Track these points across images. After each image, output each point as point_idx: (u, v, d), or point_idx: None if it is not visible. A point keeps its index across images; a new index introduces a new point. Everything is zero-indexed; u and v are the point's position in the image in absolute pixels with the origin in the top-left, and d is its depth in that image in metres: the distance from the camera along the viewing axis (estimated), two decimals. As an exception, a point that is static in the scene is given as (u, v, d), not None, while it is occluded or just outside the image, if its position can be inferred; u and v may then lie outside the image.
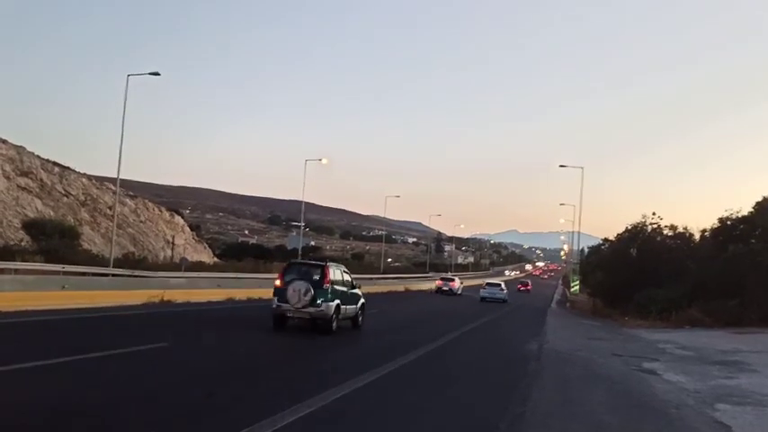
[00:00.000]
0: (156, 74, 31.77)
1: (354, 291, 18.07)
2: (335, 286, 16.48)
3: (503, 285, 49.68)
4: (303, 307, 15.62)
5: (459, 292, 52.00)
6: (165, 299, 21.49)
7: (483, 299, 45.13)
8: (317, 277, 16.11)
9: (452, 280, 54.95)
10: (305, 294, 15.61)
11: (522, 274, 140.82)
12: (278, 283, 16.37)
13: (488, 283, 50.24)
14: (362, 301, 18.62)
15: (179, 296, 22.50)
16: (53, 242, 34.29)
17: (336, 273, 16.99)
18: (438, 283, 54.28)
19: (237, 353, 12.39)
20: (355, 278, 18.95)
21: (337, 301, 16.26)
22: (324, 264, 16.89)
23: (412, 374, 11.43)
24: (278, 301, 15.99)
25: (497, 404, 9.04)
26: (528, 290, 74.73)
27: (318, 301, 15.68)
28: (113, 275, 28.69)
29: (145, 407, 7.12)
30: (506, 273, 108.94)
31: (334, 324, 16.08)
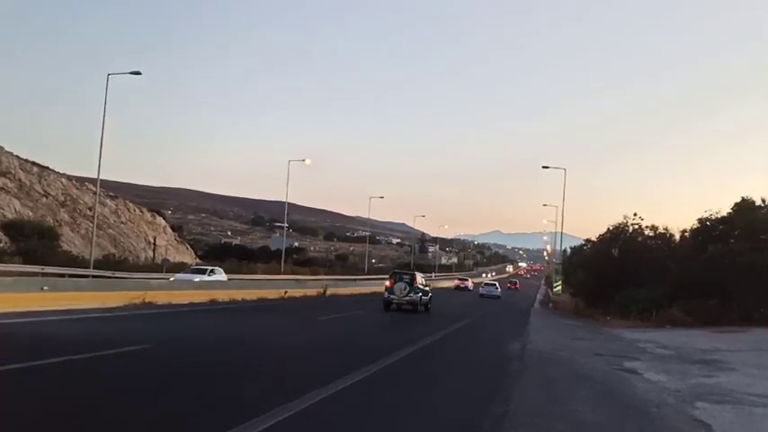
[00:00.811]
0: (137, 73, 31.59)
1: (426, 289, 29.91)
2: (419, 286, 28.66)
3: (497, 285, 63.27)
4: (403, 297, 27.85)
5: (471, 289, 70.10)
6: (146, 300, 21.33)
7: (482, 296, 54.89)
8: (409, 280, 28.38)
9: (467, 280, 78.00)
10: (404, 290, 27.85)
11: (498, 276, 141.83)
12: (388, 284, 28.65)
13: (486, 284, 64.84)
14: (430, 294, 30.46)
15: (160, 297, 22.34)
16: (32, 243, 33.94)
17: (419, 278, 29.44)
18: (456, 282, 76.25)
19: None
20: (339, 279, 29.49)
21: (420, 294, 28.47)
22: (413, 273, 29.73)
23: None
24: (388, 294, 28.07)
25: (481, 404, 9.06)
26: (517, 288, 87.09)
27: (411, 294, 27.96)
28: (94, 277, 28.46)
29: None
30: (483, 275, 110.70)
31: (420, 307, 28.46)
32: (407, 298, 27.79)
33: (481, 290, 57.78)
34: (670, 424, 8.53)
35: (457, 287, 71.52)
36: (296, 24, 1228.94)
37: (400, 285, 27.80)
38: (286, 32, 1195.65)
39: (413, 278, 28.41)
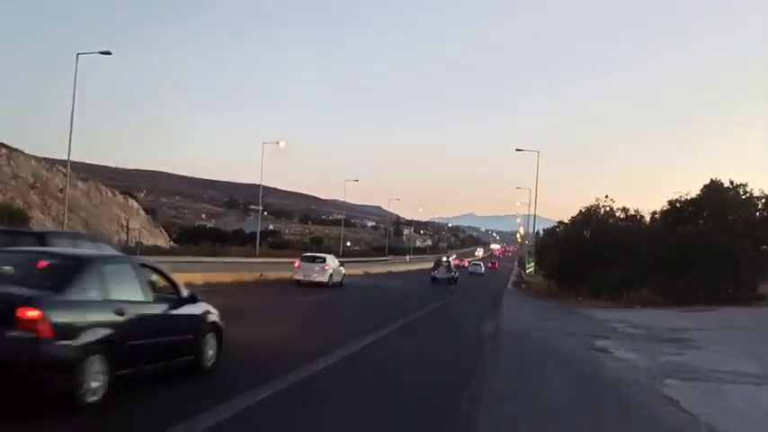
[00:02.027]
0: (108, 53, 30.91)
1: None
2: (456, 267, 48.11)
3: (482, 264, 77.40)
4: (444, 276, 43.35)
5: (480, 272, 73.00)
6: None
7: (471, 273, 65.46)
8: (448, 263, 47.46)
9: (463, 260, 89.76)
10: (447, 270, 44.44)
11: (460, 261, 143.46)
12: (432, 268, 46.77)
13: (473, 263, 79.77)
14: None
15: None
16: (1, 226, 33.29)
17: (452, 261, 49.30)
18: (461, 262, 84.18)
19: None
20: None
21: (457, 273, 46.45)
22: (450, 258, 51.28)
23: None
24: (433, 274, 44.19)
25: (456, 385, 9.09)
26: (496, 267, 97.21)
27: (452, 274, 44.62)
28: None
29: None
30: (443, 259, 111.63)
31: (456, 281, 44.05)
32: (448, 276, 43.96)
33: (470, 268, 71.52)
34: (640, 401, 8.66)
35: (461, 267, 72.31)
36: (271, 6, 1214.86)
37: (443, 267, 45.74)
38: (262, 14, 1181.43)
39: (449, 262, 46.31)
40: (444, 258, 50.13)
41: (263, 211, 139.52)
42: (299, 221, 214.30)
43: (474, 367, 10.49)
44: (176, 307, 7.92)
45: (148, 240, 53.13)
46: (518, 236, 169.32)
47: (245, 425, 6.18)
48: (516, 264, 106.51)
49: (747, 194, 30.97)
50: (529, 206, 65.12)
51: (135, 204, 63.91)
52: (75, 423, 5.69)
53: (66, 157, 32.82)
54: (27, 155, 49.03)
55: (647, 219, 37.00)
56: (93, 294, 6.50)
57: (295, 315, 17.55)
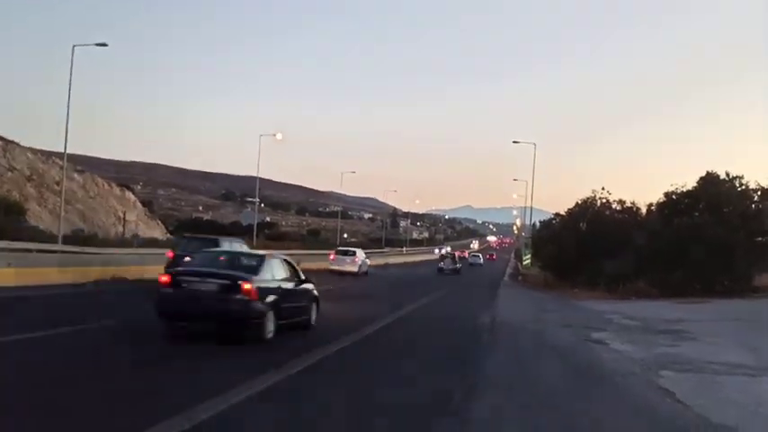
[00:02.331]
0: (104, 44, 30.72)
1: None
2: (459, 259, 54.57)
3: (480, 256, 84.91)
4: (449, 267, 48.87)
5: (479, 262, 77.23)
6: (117, 276, 21.06)
7: (471, 264, 70.05)
8: (453, 255, 55.01)
9: (478, 256, 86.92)
10: (452, 262, 50.12)
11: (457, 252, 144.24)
12: (439, 259, 53.72)
13: (473, 255, 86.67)
14: (461, 265, 50.01)
15: (131, 272, 22.08)
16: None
17: (457, 254, 58.38)
18: (462, 253, 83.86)
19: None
20: (311, 254, 31.85)
21: (460, 265, 52.01)
22: (455, 252, 63.17)
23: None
24: (440, 265, 49.58)
25: (452, 375, 9.14)
26: (494, 259, 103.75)
27: (456, 265, 49.82)
28: (62, 252, 27.96)
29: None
30: (447, 250, 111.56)
31: (459, 271, 49.55)
32: (453, 267, 49.75)
33: (470, 259, 75.53)
34: (636, 392, 8.72)
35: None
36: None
37: (449, 259, 53.13)
38: (258, 5, 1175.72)
39: (454, 254, 57.24)
40: (446, 250, 60.74)
41: (260, 203, 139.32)
42: (296, 213, 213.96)
43: (472, 354, 10.57)
44: (299, 285, 12.27)
45: (145, 232, 53.09)
46: (514, 228, 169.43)
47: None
48: (513, 255, 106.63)
49: (743, 187, 31.02)
50: (525, 198, 65.07)
51: (131, 196, 63.74)
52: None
53: (62, 149, 32.68)
54: (23, 147, 48.85)
55: (644, 211, 37.06)
56: (268, 276, 11.05)
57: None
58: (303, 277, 12.54)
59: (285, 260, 12.42)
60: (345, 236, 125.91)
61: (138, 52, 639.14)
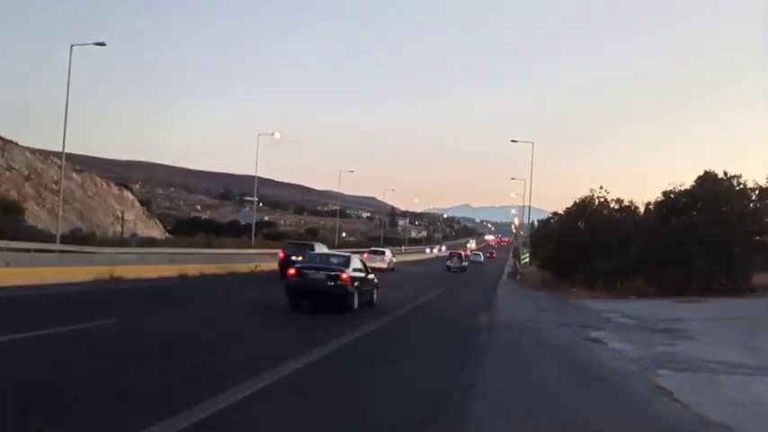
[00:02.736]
0: (102, 44, 30.74)
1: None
2: (465, 258, 58.43)
3: (481, 254, 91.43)
4: (456, 265, 52.98)
5: (480, 261, 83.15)
6: (115, 275, 21.05)
7: (472, 261, 70.56)
8: (460, 254, 57.46)
9: (479, 254, 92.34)
10: (459, 261, 54.10)
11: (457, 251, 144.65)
12: (448, 258, 58.06)
13: (474, 253, 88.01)
14: (467, 263, 56.99)
15: (130, 272, 22.08)
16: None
17: (464, 254, 59.76)
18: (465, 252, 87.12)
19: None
20: None
21: (467, 263, 57.64)
22: (461, 251, 63.16)
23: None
24: (448, 263, 54.14)
25: (450, 374, 9.15)
26: (494, 257, 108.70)
27: (463, 263, 54.44)
28: (61, 252, 27.94)
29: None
30: (427, 251, 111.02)
31: (465, 269, 53.68)
32: (461, 265, 54.32)
33: (471, 257, 76.70)
34: (633, 391, 8.73)
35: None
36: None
37: (456, 257, 56.45)
38: (258, 5, 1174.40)
39: (460, 253, 59.26)
40: (438, 249, 71.36)
41: (259, 202, 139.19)
42: (294, 212, 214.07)
43: (470, 353, 10.60)
44: (367, 275, 17.75)
45: (143, 232, 53.05)
46: (513, 227, 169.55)
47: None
48: (511, 254, 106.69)
49: (741, 186, 31.03)
50: (524, 197, 65.11)
51: (130, 196, 63.74)
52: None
53: (60, 149, 32.68)
54: (21, 146, 48.83)
55: (642, 210, 37.09)
56: (353, 269, 16.56)
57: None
58: (369, 270, 18.42)
59: (359, 258, 18.47)
60: (344, 235, 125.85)
61: (135, 52, 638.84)
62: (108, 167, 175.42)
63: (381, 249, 45.94)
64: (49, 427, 5.35)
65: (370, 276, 18.10)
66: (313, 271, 16.12)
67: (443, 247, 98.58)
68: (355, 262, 17.19)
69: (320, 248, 28.39)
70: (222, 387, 6.85)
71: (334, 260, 17.21)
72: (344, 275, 15.87)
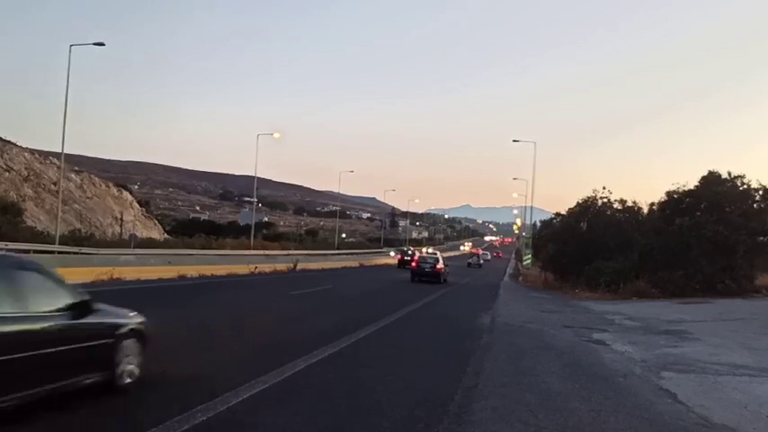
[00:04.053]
0: (101, 44, 30.84)
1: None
2: (481, 256, 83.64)
3: (488, 254, 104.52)
4: (475, 262, 72.18)
5: (488, 259, 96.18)
6: (114, 276, 21.08)
7: (486, 260, 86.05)
8: (477, 254, 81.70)
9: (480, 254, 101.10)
10: (477, 259, 74.92)
11: (452, 254, 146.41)
12: (468, 257, 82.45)
13: (483, 253, 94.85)
14: (483, 261, 79.36)
15: (129, 273, 22.11)
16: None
17: (479, 253, 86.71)
18: (477, 251, 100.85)
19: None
20: (309, 254, 35.51)
21: (482, 261, 77.93)
22: (478, 251, 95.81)
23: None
24: (469, 261, 73.27)
25: (452, 375, 9.17)
26: (500, 256, 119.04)
27: (480, 261, 75.78)
28: (59, 253, 28.01)
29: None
30: (391, 253, 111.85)
31: (481, 266, 72.84)
32: (480, 262, 73.51)
33: (469, 259, 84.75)
34: (637, 393, 8.74)
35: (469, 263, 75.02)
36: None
37: (475, 257, 78.10)
38: (258, 4, 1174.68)
39: (477, 254, 76.15)
40: (427, 251, 67.93)
41: (258, 202, 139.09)
42: (294, 213, 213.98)
43: (472, 354, 10.65)
44: (445, 263, 38.41)
45: (142, 233, 53.11)
46: (515, 227, 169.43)
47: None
48: (513, 255, 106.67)
49: (745, 186, 31.10)
50: (526, 197, 65.63)
51: (129, 197, 63.85)
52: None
53: (59, 150, 32.74)
54: (20, 147, 48.91)
55: (645, 210, 37.15)
56: (441, 260, 37.25)
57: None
58: (444, 258, 35.91)
59: (440, 253, 38.45)
60: (344, 236, 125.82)
61: (135, 52, 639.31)
62: (107, 168, 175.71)
63: (432, 252, 53.37)
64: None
65: (447, 263, 35.08)
66: (424, 263, 36.16)
67: (430, 249, 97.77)
68: (441, 256, 36.69)
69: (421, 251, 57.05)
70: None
71: (432, 256, 39.83)
72: (439, 265, 35.56)
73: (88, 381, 6.04)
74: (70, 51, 30.19)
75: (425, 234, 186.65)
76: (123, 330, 6.75)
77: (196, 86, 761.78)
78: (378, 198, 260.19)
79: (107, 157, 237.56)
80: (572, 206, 40.93)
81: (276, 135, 57.47)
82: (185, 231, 66.91)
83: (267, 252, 45.85)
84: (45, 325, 5.40)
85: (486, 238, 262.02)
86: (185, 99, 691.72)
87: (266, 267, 33.52)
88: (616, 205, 38.70)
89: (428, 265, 35.40)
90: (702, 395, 8.56)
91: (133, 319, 7.13)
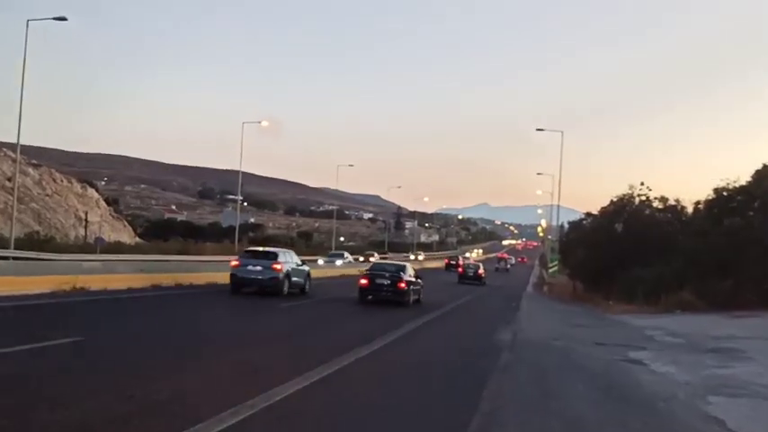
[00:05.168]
0: (63, 19, 30.86)
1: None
2: (507, 260, 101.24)
3: (513, 259, 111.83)
4: (503, 267, 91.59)
5: (513, 263, 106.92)
6: (77, 286, 21.07)
7: (496, 269, 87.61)
8: (505, 259, 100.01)
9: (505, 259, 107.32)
10: (505, 263, 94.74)
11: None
12: (497, 262, 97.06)
13: (503, 260, 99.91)
14: (510, 266, 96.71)
15: (95, 282, 22.10)
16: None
17: (506, 258, 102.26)
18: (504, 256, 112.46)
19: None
20: (304, 260, 29.50)
21: (509, 266, 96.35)
22: (505, 256, 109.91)
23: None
24: (496, 266, 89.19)
25: (468, 400, 9.14)
26: (525, 262, 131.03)
27: (508, 266, 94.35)
28: (15, 258, 28.05)
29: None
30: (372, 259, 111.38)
31: (508, 270, 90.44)
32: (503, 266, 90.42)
33: (497, 264, 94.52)
34: (679, 420, 8.71)
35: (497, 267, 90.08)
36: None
37: (500, 262, 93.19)
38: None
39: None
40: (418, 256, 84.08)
41: (243, 201, 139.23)
42: (285, 213, 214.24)
43: (490, 376, 10.62)
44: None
45: (110, 236, 53.18)
46: (539, 229, 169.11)
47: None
48: (537, 261, 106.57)
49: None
50: (552, 195, 65.15)
51: (95, 194, 63.94)
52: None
53: (15, 140, 32.77)
54: (-32, 137, 48.96)
55: (690, 209, 37.04)
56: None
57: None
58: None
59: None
60: (342, 239, 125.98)
61: (104, 27, 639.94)
62: (70, 161, 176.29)
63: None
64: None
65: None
66: (469, 270, 51.98)
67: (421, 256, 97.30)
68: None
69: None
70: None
71: (473, 266, 54.05)
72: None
73: None
74: (27, 27, 30.28)
75: (436, 237, 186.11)
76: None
77: (175, 69, 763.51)
78: (381, 196, 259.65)
79: (70, 149, 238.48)
80: (605, 205, 40.91)
81: (264, 123, 57.71)
82: (160, 234, 67.09)
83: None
84: None
85: (505, 242, 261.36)
86: (161, 84, 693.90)
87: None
88: (656, 204, 38.65)
89: (471, 271, 52.15)
90: (757, 423, 8.53)
91: None
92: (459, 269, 54.25)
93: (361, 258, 65.50)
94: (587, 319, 25.52)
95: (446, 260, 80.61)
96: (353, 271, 42.46)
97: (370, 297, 24.47)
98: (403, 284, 24.27)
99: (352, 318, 20.74)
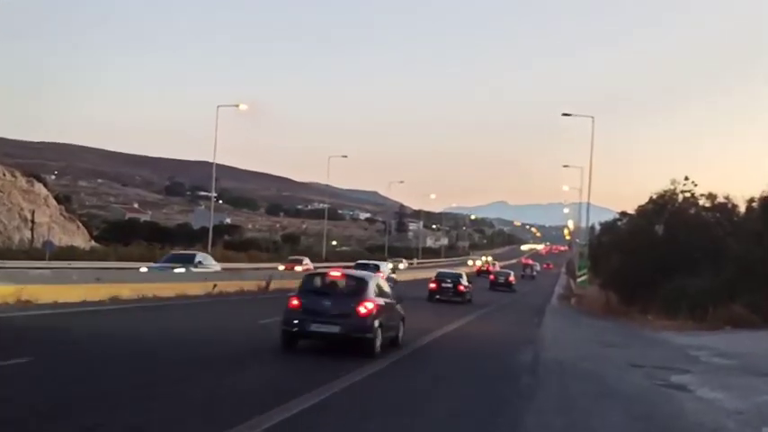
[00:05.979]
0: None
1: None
2: (532, 269, 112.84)
3: (537, 266, 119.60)
4: (529, 274, 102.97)
5: (539, 270, 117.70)
6: (23, 298, 21.07)
7: (522, 276, 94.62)
8: (531, 266, 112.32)
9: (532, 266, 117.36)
10: (531, 271, 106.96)
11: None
12: (522, 269, 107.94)
13: (528, 266, 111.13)
14: (535, 273, 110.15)
15: (43, 294, 22.09)
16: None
17: (531, 264, 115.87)
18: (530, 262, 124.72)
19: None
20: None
21: (535, 273, 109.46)
22: (531, 262, 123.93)
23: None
24: (522, 273, 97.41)
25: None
26: (550, 268, 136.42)
27: (534, 272, 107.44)
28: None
29: None
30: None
31: (534, 277, 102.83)
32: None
33: (522, 272, 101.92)
34: (729, 455, 8.74)
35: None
36: None
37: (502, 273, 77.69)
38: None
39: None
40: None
41: (218, 198, 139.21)
42: (267, 212, 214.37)
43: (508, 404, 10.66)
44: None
45: (61, 239, 53.18)
46: (565, 231, 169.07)
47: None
48: (564, 269, 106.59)
49: None
50: (580, 191, 64.72)
51: (43, 190, 63.86)
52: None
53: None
54: None
55: (742, 208, 36.98)
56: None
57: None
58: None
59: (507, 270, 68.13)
60: (334, 243, 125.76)
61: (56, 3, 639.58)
62: (13, 152, 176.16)
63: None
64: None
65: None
66: (500, 277, 66.07)
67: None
68: (511, 273, 61.89)
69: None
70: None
71: (504, 273, 68.40)
72: (510, 278, 63.67)
73: None
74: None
75: (445, 241, 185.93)
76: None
77: (136, 45, 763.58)
78: (381, 193, 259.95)
79: (14, 137, 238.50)
80: (643, 203, 40.87)
81: (242, 107, 57.44)
82: (120, 237, 66.99)
83: (232, 265, 45.90)
84: None
85: (525, 247, 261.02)
86: (123, 63, 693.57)
87: (229, 286, 33.47)
88: (702, 201, 38.59)
89: (502, 278, 64.74)
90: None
91: None
92: (491, 276, 69.03)
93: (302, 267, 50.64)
94: (622, 337, 25.54)
95: (476, 267, 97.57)
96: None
97: (437, 297, 38.33)
98: (462, 287, 38.88)
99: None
